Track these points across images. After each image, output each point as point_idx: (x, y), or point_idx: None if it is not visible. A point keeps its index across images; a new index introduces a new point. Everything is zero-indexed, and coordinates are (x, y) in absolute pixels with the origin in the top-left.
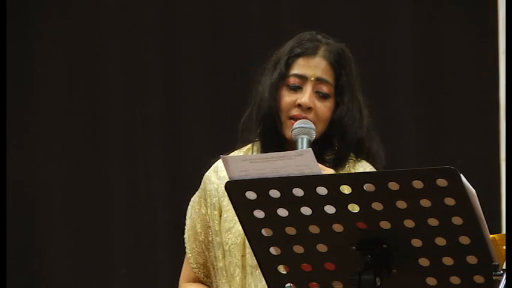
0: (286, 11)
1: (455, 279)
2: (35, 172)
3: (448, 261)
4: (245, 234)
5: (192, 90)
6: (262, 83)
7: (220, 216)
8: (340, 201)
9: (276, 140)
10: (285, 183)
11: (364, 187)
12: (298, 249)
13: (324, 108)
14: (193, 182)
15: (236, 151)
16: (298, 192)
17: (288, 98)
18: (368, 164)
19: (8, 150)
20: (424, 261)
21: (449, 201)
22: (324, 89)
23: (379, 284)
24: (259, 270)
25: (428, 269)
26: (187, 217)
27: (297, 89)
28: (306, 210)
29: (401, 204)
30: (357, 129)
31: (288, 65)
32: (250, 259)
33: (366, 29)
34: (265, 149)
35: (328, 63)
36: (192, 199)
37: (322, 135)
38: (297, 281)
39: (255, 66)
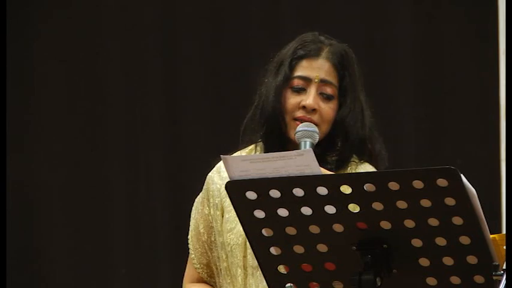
0: (286, 11)
1: (455, 279)
2: (35, 172)
3: (448, 261)
4: (245, 234)
5: (192, 90)
6: (265, 84)
7: (223, 216)
8: (341, 201)
9: (279, 141)
10: (286, 183)
11: (364, 187)
12: (299, 249)
13: (328, 109)
14: (194, 183)
15: (238, 152)
16: (298, 192)
17: (292, 99)
18: (371, 166)
19: (8, 151)
20: (424, 261)
21: (450, 201)
22: (328, 90)
23: (379, 284)
24: (260, 271)
25: (428, 269)
26: (191, 218)
27: (300, 90)
28: (306, 210)
29: (401, 204)
30: (359, 129)
31: (292, 67)
32: (252, 260)
33: (366, 29)
34: (268, 150)
35: (331, 64)
36: (196, 200)
37: (326, 136)
38: (297, 281)
39: (255, 66)
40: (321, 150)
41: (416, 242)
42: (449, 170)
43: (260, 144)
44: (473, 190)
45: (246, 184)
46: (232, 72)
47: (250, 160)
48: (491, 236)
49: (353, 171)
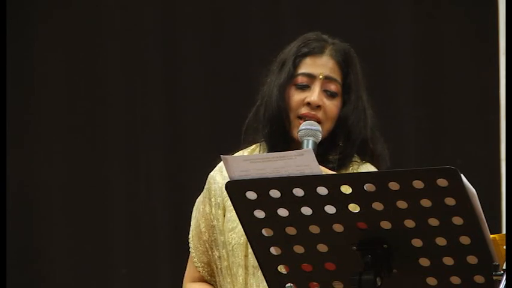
0: (286, 11)
1: (455, 279)
2: (35, 172)
3: (448, 261)
4: (245, 234)
5: (192, 90)
6: (268, 83)
7: (224, 215)
8: (341, 201)
9: (283, 140)
10: (286, 183)
11: (364, 187)
12: (299, 249)
13: (332, 106)
14: (194, 183)
15: (240, 151)
16: (298, 192)
17: (296, 96)
18: (372, 167)
19: (8, 150)
20: (424, 261)
21: (450, 201)
22: (332, 87)
23: (379, 284)
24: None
25: (428, 269)
26: (192, 218)
27: (304, 88)
28: (306, 210)
29: (401, 204)
30: (362, 129)
31: (296, 65)
32: (253, 259)
33: (366, 28)
34: (272, 149)
35: (335, 62)
36: (197, 200)
37: (328, 135)
38: (297, 281)
39: (255, 66)
40: (323, 149)
41: (417, 242)
42: (449, 170)
43: (263, 144)
44: (473, 190)
45: (246, 184)
46: (232, 72)
47: (250, 160)
48: (491, 236)
49: (355, 171)
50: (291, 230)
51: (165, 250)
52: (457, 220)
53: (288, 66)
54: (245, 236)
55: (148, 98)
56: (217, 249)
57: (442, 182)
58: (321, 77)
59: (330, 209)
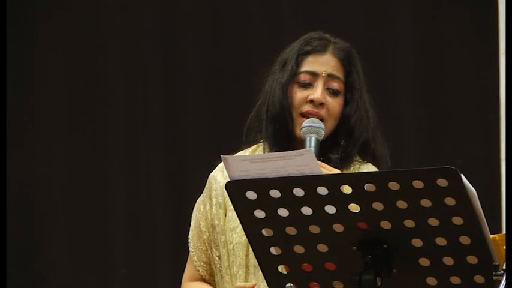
0: (286, 11)
1: (455, 279)
2: (35, 172)
3: (448, 261)
4: (245, 234)
5: (192, 90)
6: (269, 83)
7: (226, 215)
8: (341, 201)
9: (286, 139)
10: (286, 183)
11: (364, 187)
12: (299, 249)
13: (335, 104)
14: (194, 183)
15: (242, 151)
16: (298, 192)
17: (299, 94)
18: (374, 167)
19: (8, 150)
20: (424, 261)
21: (450, 201)
22: (335, 85)
23: (379, 284)
24: None
25: (428, 269)
26: (192, 218)
27: (307, 86)
28: (306, 210)
29: (401, 204)
30: (364, 128)
31: (298, 63)
32: (253, 259)
33: (366, 28)
34: (274, 147)
35: (338, 60)
36: (197, 201)
37: (329, 134)
38: (297, 281)
39: (255, 66)
40: (325, 148)
41: (417, 242)
42: (449, 170)
43: (264, 143)
44: (473, 190)
45: (246, 184)
46: (232, 72)
47: (250, 160)
48: (491, 236)
49: (356, 171)
50: (291, 230)
51: (165, 250)
52: (457, 220)
53: (290, 64)
54: None
55: (148, 98)
56: (217, 249)
57: (442, 182)
58: (323, 74)
59: (330, 209)
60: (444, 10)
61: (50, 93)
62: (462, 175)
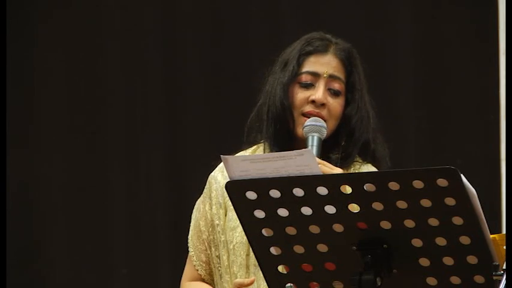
0: (286, 11)
1: (455, 279)
2: (35, 172)
3: (448, 261)
4: (245, 234)
5: (192, 90)
6: (270, 83)
7: (226, 215)
8: (341, 201)
9: (287, 139)
10: (286, 183)
11: (364, 187)
12: (299, 249)
13: (336, 104)
14: (193, 182)
15: (242, 152)
16: (298, 192)
17: (300, 94)
18: (374, 168)
19: (8, 150)
20: (424, 261)
21: (450, 201)
22: (336, 86)
23: (379, 284)
24: None
25: (428, 269)
26: (192, 219)
27: (308, 86)
28: (306, 210)
29: (401, 204)
30: (364, 129)
31: (300, 63)
32: (254, 258)
33: (366, 28)
34: (275, 147)
35: (339, 60)
36: (197, 202)
37: (330, 134)
38: (297, 281)
39: (255, 66)
40: (325, 148)
41: (417, 242)
42: (449, 170)
43: (265, 143)
44: (473, 190)
45: (246, 184)
46: (232, 72)
47: (250, 160)
48: (491, 236)
49: (357, 171)
50: (291, 230)
51: (165, 250)
52: (457, 220)
53: (291, 64)
54: None
55: (149, 98)
56: (217, 249)
57: (442, 182)
58: (325, 75)
59: (330, 209)
60: (444, 10)
61: (50, 93)
62: (462, 175)
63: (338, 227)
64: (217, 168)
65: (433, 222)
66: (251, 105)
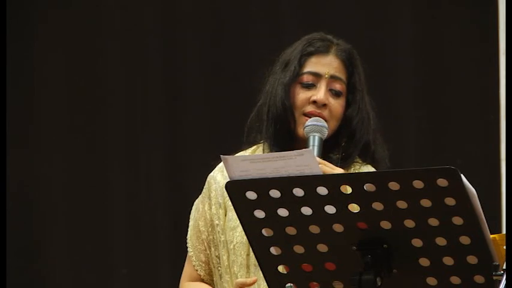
0: (286, 11)
1: (455, 279)
2: (35, 172)
3: (448, 261)
4: (245, 234)
5: (192, 90)
6: (270, 83)
7: (226, 215)
8: (341, 201)
9: (287, 139)
10: (286, 183)
11: (364, 187)
12: (299, 249)
13: (337, 105)
14: (193, 182)
15: (242, 152)
16: (298, 192)
17: (302, 95)
18: (373, 169)
19: (8, 150)
20: (424, 261)
21: (450, 201)
22: (338, 86)
23: (379, 284)
24: None
25: (428, 269)
26: (190, 219)
27: (310, 86)
28: (306, 210)
29: (401, 204)
30: (365, 130)
31: (301, 63)
32: (254, 258)
33: (366, 28)
34: (276, 147)
35: (340, 61)
36: (195, 203)
37: (331, 134)
38: (297, 281)
39: (255, 66)
40: (325, 148)
41: (417, 242)
42: (449, 170)
43: (264, 144)
44: (473, 190)
45: (246, 184)
46: (232, 72)
47: (250, 160)
48: (491, 236)
49: (357, 172)
50: (291, 230)
51: (165, 250)
52: (457, 220)
53: (293, 65)
54: None
55: (149, 98)
56: (216, 249)
57: (442, 182)
58: (326, 76)
59: (330, 209)
60: (444, 10)
61: (50, 93)
62: (462, 175)
63: (338, 227)
64: (216, 169)
65: (433, 222)
66: (251, 105)
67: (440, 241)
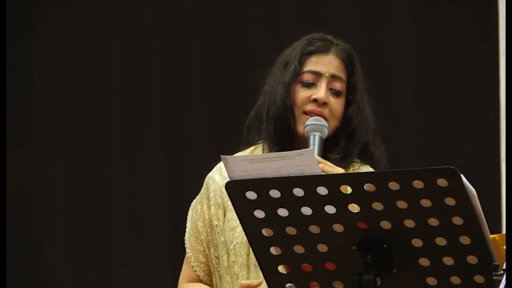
0: (286, 11)
1: (455, 279)
2: (35, 172)
3: (448, 261)
4: (245, 234)
5: (192, 90)
6: (270, 83)
7: (225, 215)
8: (341, 201)
9: (288, 138)
10: (285, 183)
11: (364, 187)
12: (299, 249)
13: (337, 104)
14: (193, 182)
15: (240, 152)
16: (298, 192)
17: (302, 93)
18: (372, 169)
19: (8, 150)
20: (424, 261)
21: (450, 201)
22: (338, 86)
23: (379, 284)
24: None
25: (428, 269)
26: (187, 220)
27: (310, 85)
28: (306, 210)
29: (401, 204)
30: (365, 130)
31: (301, 63)
32: (254, 258)
33: (366, 28)
34: (276, 147)
35: (341, 61)
36: (193, 203)
37: (331, 134)
38: (297, 281)
39: (255, 66)
40: (325, 148)
41: (417, 242)
42: (449, 170)
43: (264, 143)
44: (473, 190)
45: (246, 184)
46: (232, 72)
47: (250, 160)
48: (491, 236)
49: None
50: (291, 230)
51: (165, 250)
52: (457, 220)
53: (293, 64)
54: None
55: (149, 98)
56: (216, 249)
57: (442, 182)
58: (327, 75)
59: (330, 209)
60: (444, 10)
61: (50, 93)
62: (462, 175)
63: (338, 227)
64: (214, 169)
65: (433, 222)
66: (251, 105)
67: (440, 241)
